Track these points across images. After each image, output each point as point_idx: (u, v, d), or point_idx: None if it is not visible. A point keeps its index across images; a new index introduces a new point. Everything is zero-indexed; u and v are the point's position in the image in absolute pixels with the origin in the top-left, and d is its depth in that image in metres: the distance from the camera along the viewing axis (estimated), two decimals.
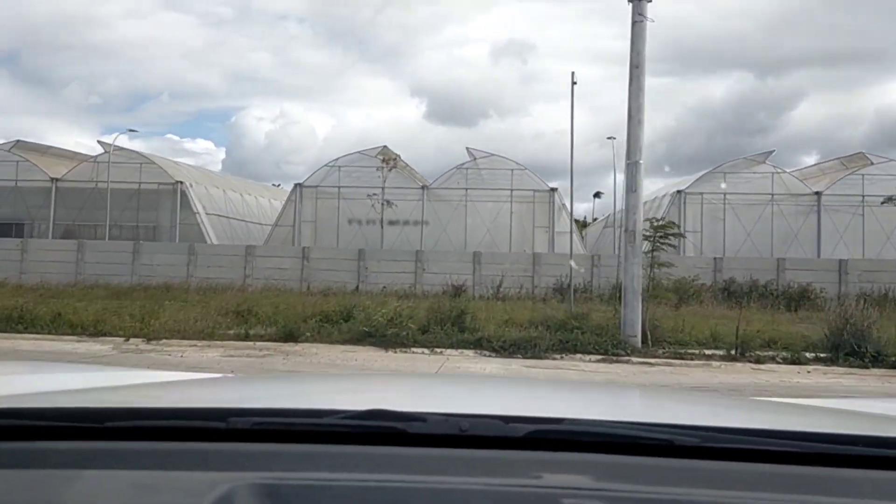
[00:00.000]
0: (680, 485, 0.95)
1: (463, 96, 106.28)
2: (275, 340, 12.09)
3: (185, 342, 11.85)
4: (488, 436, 1.04)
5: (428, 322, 12.95)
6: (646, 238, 12.22)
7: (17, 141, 35.67)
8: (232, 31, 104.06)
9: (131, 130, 35.30)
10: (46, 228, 35.23)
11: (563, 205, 35.07)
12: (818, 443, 1.06)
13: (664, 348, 12.07)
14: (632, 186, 11.85)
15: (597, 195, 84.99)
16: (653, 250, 12.16)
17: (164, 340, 11.92)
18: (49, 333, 12.06)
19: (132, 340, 11.89)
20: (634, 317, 11.90)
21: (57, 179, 35.19)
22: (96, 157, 35.80)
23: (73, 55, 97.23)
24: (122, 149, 35.72)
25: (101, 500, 0.93)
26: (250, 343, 11.94)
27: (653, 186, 41.12)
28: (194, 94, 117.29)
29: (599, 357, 11.39)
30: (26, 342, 11.38)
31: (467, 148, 36.40)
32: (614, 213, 18.80)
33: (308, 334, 12.35)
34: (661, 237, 12.11)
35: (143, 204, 35.22)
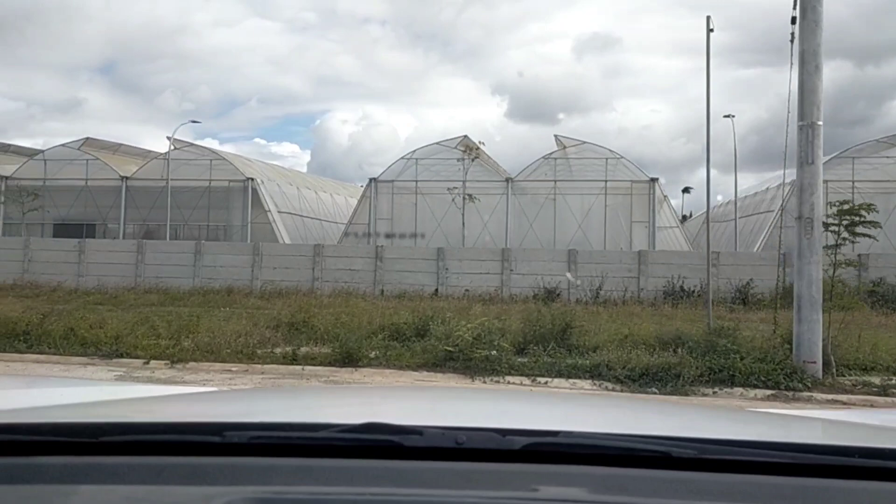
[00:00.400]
0: (676, 496, 0.95)
1: (544, 93, 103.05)
2: (329, 364, 9.42)
3: (217, 366, 9.34)
4: (485, 448, 1.03)
5: (524, 339, 10.02)
6: (828, 228, 8.91)
7: (87, 139, 34.62)
8: (317, 36, 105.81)
9: (194, 121, 33.29)
10: (117, 229, 34.11)
11: (665, 197, 31.46)
12: (813, 454, 1.05)
13: (851, 377, 8.78)
14: (807, 157, 8.58)
15: (686, 190, 79.95)
16: (836, 244, 8.82)
17: (193, 364, 9.44)
18: (57, 353, 9.75)
19: (152, 363, 9.45)
20: (813, 336, 8.62)
21: (127, 178, 33.97)
22: (165, 153, 34.43)
23: (167, 64, 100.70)
24: (191, 145, 34.25)
25: None
26: (298, 367, 9.31)
27: (752, 180, 36.87)
28: (281, 99, 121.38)
29: (768, 392, 8.20)
30: (19, 364, 9.11)
31: (556, 136, 33.22)
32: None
33: (372, 355, 9.63)
34: (849, 226, 8.77)
35: (213, 202, 33.62)
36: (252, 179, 32.75)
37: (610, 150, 31.22)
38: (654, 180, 30.53)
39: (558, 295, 20.20)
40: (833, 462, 1.04)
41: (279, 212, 33.22)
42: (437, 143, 32.17)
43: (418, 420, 1.13)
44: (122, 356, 9.71)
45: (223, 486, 0.95)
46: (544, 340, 9.98)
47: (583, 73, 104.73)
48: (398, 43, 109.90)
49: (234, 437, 1.05)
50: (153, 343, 10.03)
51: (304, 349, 10.28)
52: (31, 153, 35.90)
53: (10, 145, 37.73)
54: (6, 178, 34.02)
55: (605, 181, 30.32)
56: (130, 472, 1.00)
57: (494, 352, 9.13)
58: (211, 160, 33.88)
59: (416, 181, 31.61)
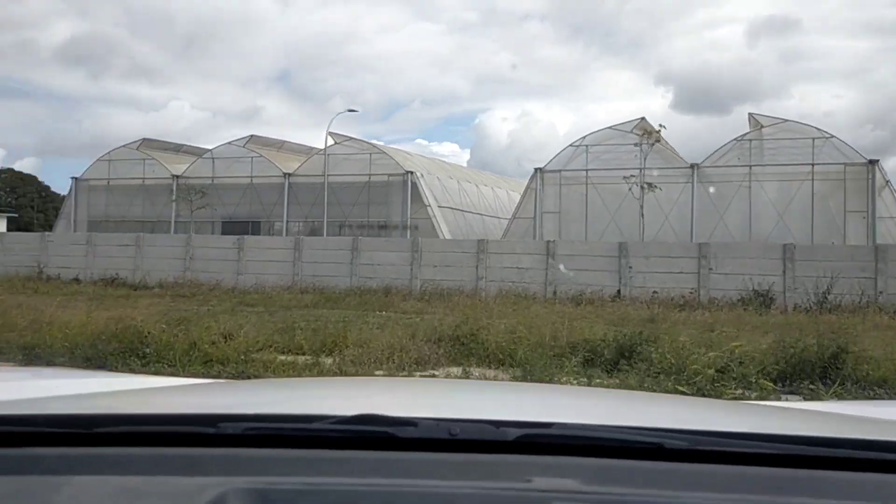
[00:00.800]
0: (669, 488, 0.95)
1: (714, 81, 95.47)
2: None
3: None
4: (479, 440, 1.04)
5: (785, 371, 7.05)
6: None
7: (251, 136, 34.65)
8: (477, 35, 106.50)
9: (351, 111, 32.21)
10: (282, 227, 33.88)
11: (887, 182, 26.41)
12: (806, 445, 1.06)
13: None
14: None
15: None
16: None
17: None
18: (176, 373, 7.99)
19: None
20: None
21: (289, 174, 33.58)
22: (325, 148, 33.72)
23: (336, 70, 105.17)
24: (350, 138, 33.30)
25: None
26: None
27: None
28: (442, 99, 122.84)
29: None
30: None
31: (750, 115, 29.02)
32: None
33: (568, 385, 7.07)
34: None
35: (372, 198, 32.49)
36: (412, 173, 31.22)
37: (817, 129, 26.69)
38: (872, 162, 25.71)
39: (773, 300, 16.64)
40: (825, 454, 1.03)
41: (439, 206, 31.49)
42: (610, 128, 29.03)
43: (413, 411, 1.13)
44: (249, 377, 7.79)
45: (217, 477, 0.95)
46: (809, 370, 6.98)
47: (756, 59, 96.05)
48: (557, 37, 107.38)
49: (228, 429, 1.05)
50: (288, 362, 8.07)
51: (474, 372, 7.94)
52: (200, 152, 36.55)
53: (182, 145, 38.77)
54: (177, 177, 34.71)
55: (812, 164, 25.89)
56: (125, 463, 1.00)
57: (749, 391, 6.27)
58: (370, 154, 32.77)
59: (587, 170, 28.66)
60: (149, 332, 8.66)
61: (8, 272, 24.25)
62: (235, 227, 32.88)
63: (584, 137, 29.27)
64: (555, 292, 19.15)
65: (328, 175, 32.38)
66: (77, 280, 23.53)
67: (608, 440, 1.04)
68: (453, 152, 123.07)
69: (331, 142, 33.50)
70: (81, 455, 1.03)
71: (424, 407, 1.45)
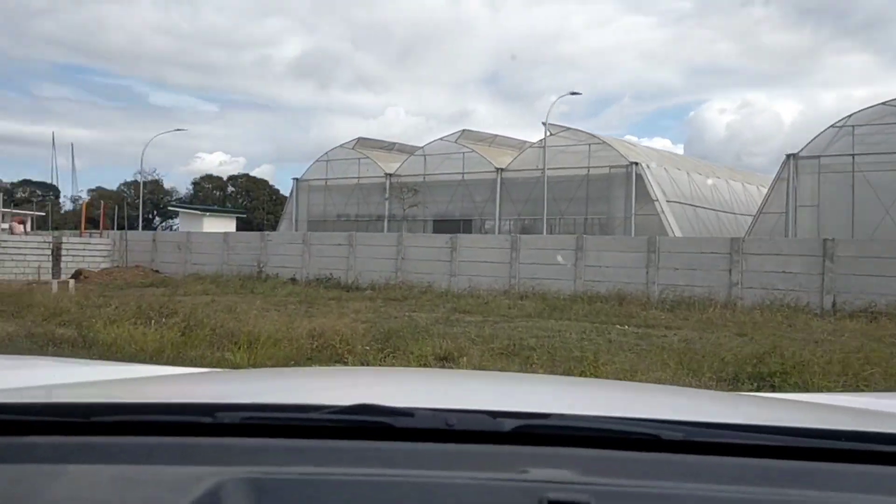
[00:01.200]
0: (666, 478, 0.95)
1: None
2: None
3: None
4: (475, 430, 1.03)
5: None
6: None
7: (463, 131, 33.34)
8: (692, 26, 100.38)
9: (574, 93, 29.48)
10: (492, 225, 32.23)
11: None
12: (802, 437, 1.06)
13: None
14: None
15: None
16: None
17: None
18: None
19: None
20: None
21: (502, 170, 31.81)
22: (541, 141, 31.50)
23: (545, 70, 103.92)
24: (567, 129, 30.79)
25: (87, 494, 0.92)
26: None
27: None
28: (653, 94, 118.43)
29: None
30: None
31: None
32: None
33: None
34: None
35: (591, 192, 29.79)
36: (636, 164, 28.07)
37: None
38: None
39: None
40: (821, 445, 1.03)
41: (668, 201, 28.02)
42: (883, 104, 23.94)
43: (410, 402, 1.13)
44: None
45: (214, 466, 0.94)
46: None
47: None
48: (783, 22, 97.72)
49: (225, 418, 1.04)
50: None
51: None
52: (412, 150, 35.94)
53: (394, 143, 38.49)
54: (390, 175, 34.26)
55: None
56: (121, 452, 1.00)
57: None
58: (589, 145, 30.06)
59: (853, 155, 23.85)
60: (349, 352, 6.78)
61: (231, 271, 24.59)
62: (446, 225, 31.74)
63: (848, 117, 24.41)
64: (833, 303, 15.33)
65: (545, 169, 30.22)
66: (294, 280, 23.24)
67: (605, 431, 1.03)
68: (665, 147, 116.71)
69: (546, 134, 31.26)
70: (77, 444, 1.02)
71: (421, 397, 1.44)
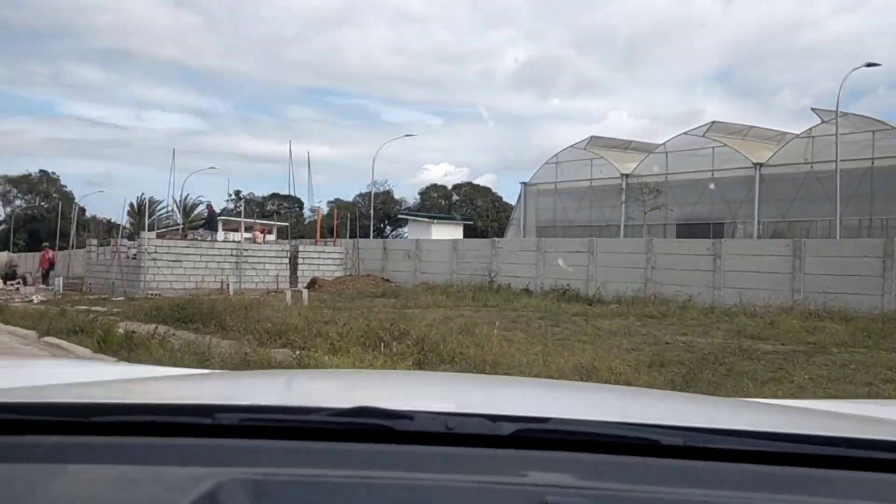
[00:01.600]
0: (665, 484, 0.95)
1: None
2: None
3: None
4: (475, 434, 1.02)
5: None
6: None
7: (713, 122, 29.54)
8: None
9: (870, 64, 24.42)
10: (749, 229, 28.13)
11: None
12: (802, 443, 1.05)
13: None
14: None
15: None
16: None
17: None
18: None
19: None
20: None
21: (760, 165, 27.65)
22: (810, 129, 26.91)
23: (783, 62, 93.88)
24: (843, 115, 25.92)
25: (86, 494, 0.92)
26: None
27: None
28: None
29: None
30: None
31: None
32: None
33: None
34: None
35: (876, 188, 24.83)
36: None
37: None
38: None
39: None
40: (821, 452, 1.03)
41: None
42: None
43: (409, 404, 1.12)
44: None
45: (213, 467, 0.94)
46: None
47: None
48: None
49: (224, 419, 1.04)
50: None
51: None
52: (650, 148, 32.70)
53: (630, 142, 35.45)
54: (626, 175, 31.34)
55: None
56: (120, 453, 1.00)
57: None
58: (873, 132, 25.08)
59: None
60: None
61: (461, 280, 23.24)
62: (691, 229, 28.22)
63: None
64: None
65: (813, 162, 25.69)
66: (528, 290, 21.30)
67: (604, 436, 1.03)
68: None
69: (816, 121, 26.62)
70: (77, 444, 1.02)
71: (421, 400, 1.44)
